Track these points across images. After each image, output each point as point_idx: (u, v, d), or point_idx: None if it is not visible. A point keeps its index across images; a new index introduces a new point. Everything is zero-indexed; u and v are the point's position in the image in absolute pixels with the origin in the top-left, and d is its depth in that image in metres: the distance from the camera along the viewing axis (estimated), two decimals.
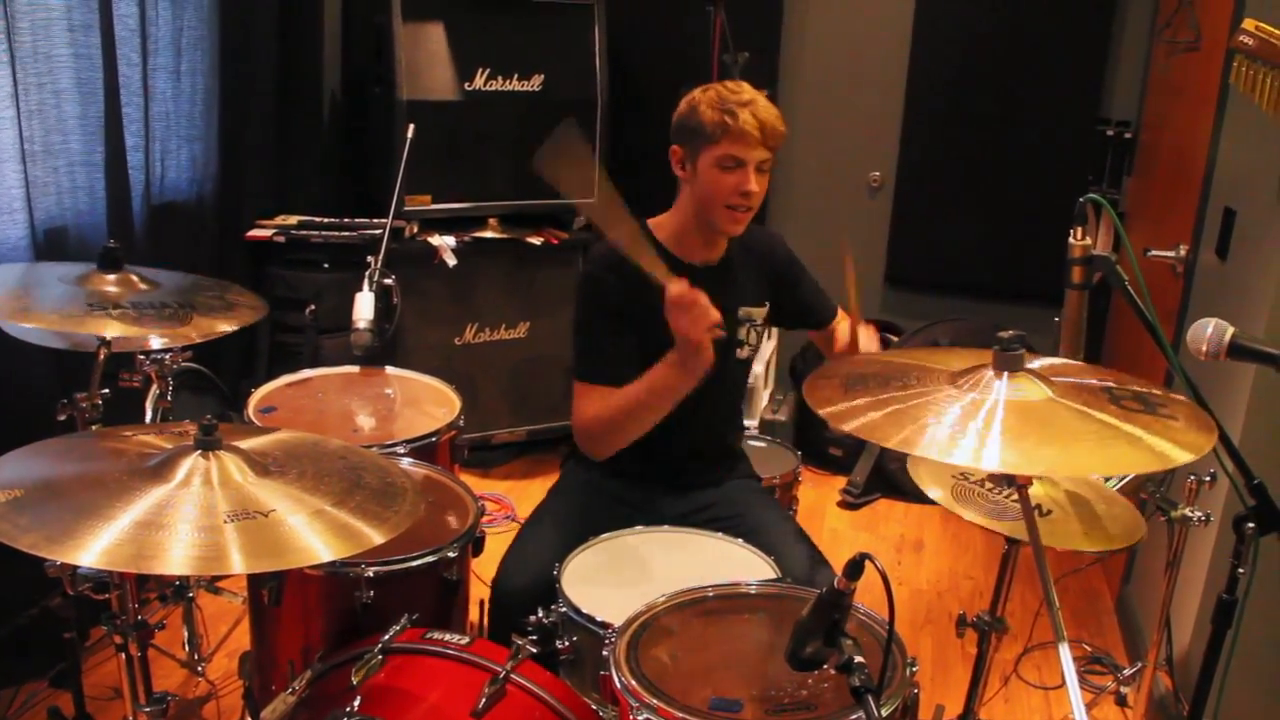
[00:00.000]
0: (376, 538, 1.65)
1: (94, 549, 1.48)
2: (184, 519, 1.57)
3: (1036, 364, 1.78)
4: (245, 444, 1.81)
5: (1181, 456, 1.55)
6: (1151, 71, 4.35)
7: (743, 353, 2.61)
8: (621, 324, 2.43)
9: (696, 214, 2.47)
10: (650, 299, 2.39)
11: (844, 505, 4.38)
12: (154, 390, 2.79)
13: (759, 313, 2.60)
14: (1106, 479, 2.39)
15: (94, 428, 2.37)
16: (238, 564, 1.54)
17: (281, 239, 3.95)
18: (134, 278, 2.35)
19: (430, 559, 2.16)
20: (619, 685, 1.75)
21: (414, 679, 1.89)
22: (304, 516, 1.64)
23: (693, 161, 2.42)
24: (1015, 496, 2.17)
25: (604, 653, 1.84)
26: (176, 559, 1.50)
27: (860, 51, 4.86)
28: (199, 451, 1.72)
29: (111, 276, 2.33)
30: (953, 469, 2.36)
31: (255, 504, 1.65)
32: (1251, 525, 1.93)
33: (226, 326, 2.34)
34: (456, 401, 2.80)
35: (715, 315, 2.19)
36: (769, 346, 4.86)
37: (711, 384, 2.45)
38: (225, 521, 1.58)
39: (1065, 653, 1.48)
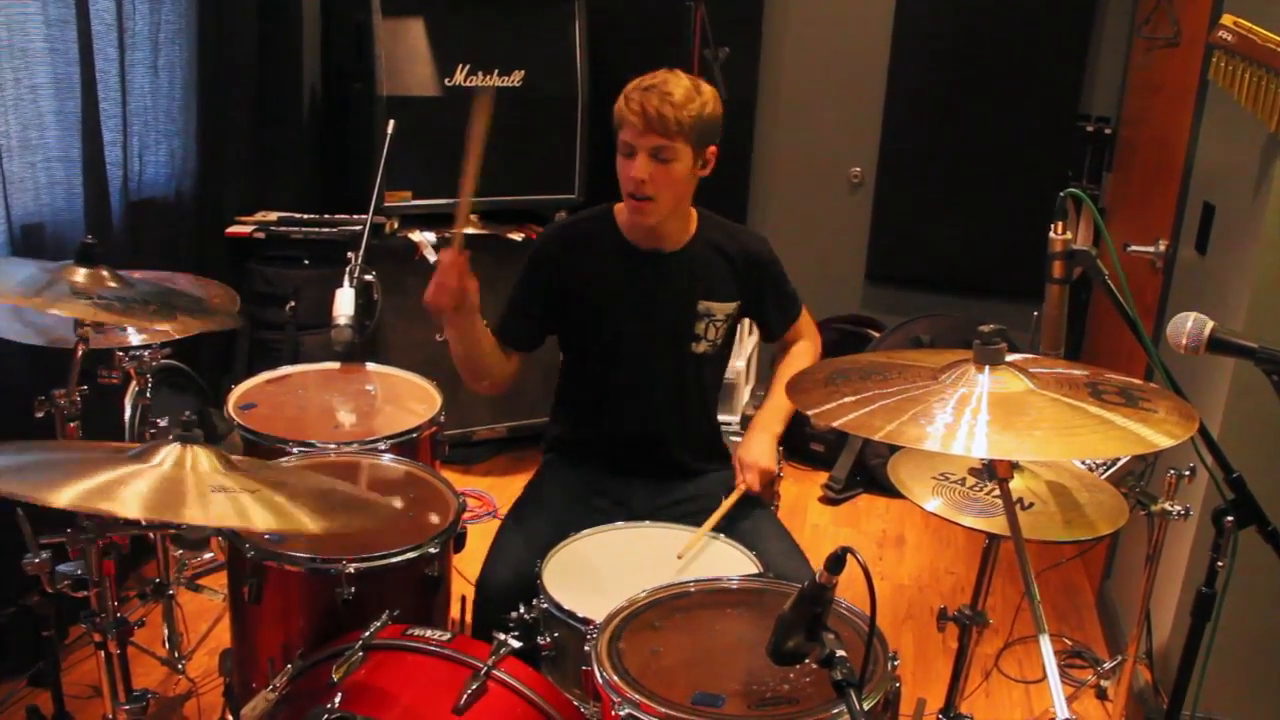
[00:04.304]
0: (310, 524, 1.69)
1: (66, 492, 1.54)
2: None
3: (1016, 358, 1.79)
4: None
5: (1164, 441, 1.56)
6: (1131, 67, 4.37)
7: (699, 347, 2.56)
8: (535, 293, 2.55)
9: None
10: (586, 277, 2.50)
11: (825, 501, 4.39)
12: (133, 387, 2.78)
13: (721, 309, 2.56)
14: (1093, 467, 2.40)
15: (72, 425, 2.35)
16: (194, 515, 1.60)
17: (261, 235, 3.93)
18: (106, 274, 2.32)
19: (411, 555, 2.15)
20: (601, 681, 1.75)
21: (395, 676, 1.88)
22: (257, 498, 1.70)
23: (618, 150, 2.42)
24: (996, 491, 2.17)
25: (586, 648, 1.83)
26: (133, 502, 1.58)
27: (841, 47, 4.87)
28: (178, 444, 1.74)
29: (87, 271, 2.31)
30: (932, 469, 2.36)
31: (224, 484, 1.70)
32: (1230, 519, 1.94)
33: (203, 327, 2.32)
34: (437, 398, 2.79)
35: (446, 290, 2.32)
36: (750, 343, 4.86)
37: (664, 377, 2.55)
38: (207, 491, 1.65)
39: (1046, 644, 1.48)
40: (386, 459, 2.51)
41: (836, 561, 1.47)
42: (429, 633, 1.96)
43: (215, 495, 1.65)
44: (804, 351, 2.73)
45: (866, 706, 1.69)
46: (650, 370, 2.55)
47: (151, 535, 2.87)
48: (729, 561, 2.27)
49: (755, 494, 2.49)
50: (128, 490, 1.59)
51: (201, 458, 1.74)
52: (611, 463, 2.61)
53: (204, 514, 1.62)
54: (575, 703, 1.94)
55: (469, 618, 2.38)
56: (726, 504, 2.43)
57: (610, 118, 2.42)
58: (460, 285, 2.31)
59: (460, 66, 4.11)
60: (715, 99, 2.39)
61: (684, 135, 2.33)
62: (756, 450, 2.51)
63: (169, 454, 1.72)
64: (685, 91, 2.33)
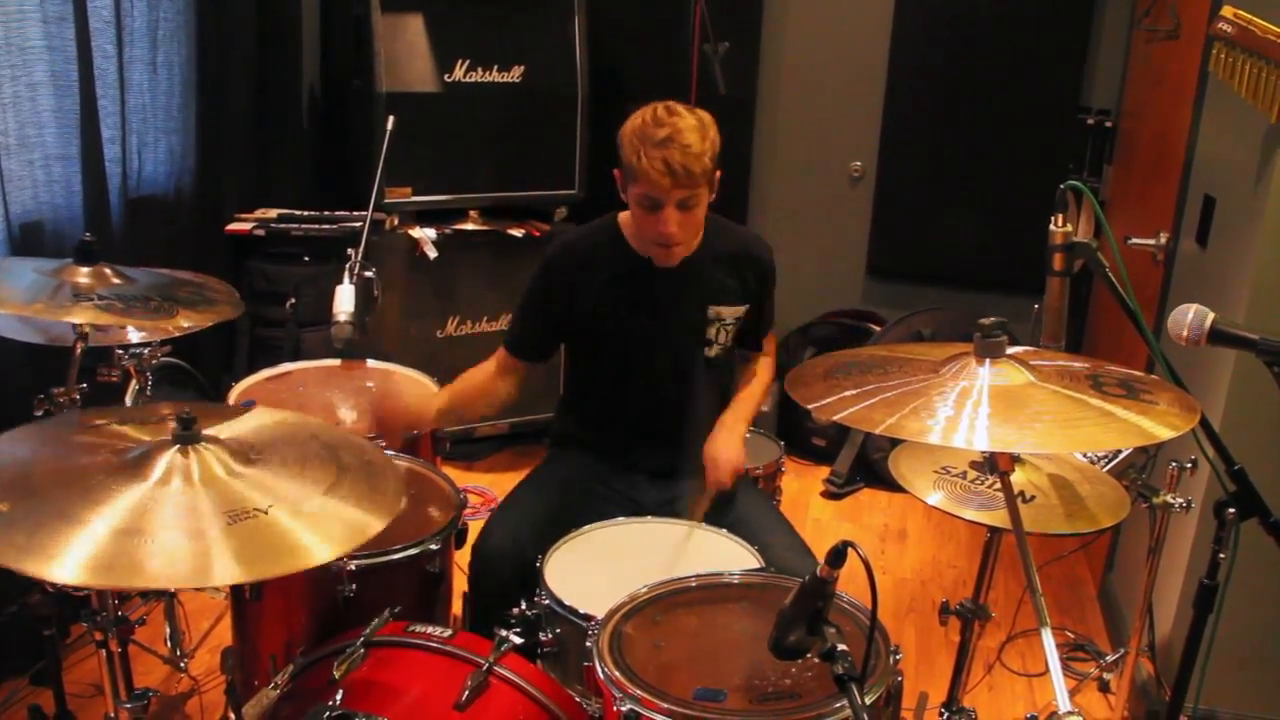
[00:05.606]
0: (375, 524, 1.61)
1: (71, 563, 1.40)
2: (167, 525, 1.49)
3: (1017, 351, 1.78)
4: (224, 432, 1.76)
5: (1165, 433, 1.56)
6: (1131, 60, 4.37)
7: (711, 351, 2.57)
8: (546, 310, 2.56)
9: None
10: (597, 293, 2.50)
11: (827, 495, 4.39)
12: (133, 385, 2.77)
13: (730, 312, 2.56)
14: (1095, 459, 2.40)
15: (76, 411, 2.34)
16: (231, 573, 1.47)
17: (261, 232, 3.92)
18: (109, 272, 2.32)
19: (412, 552, 2.15)
20: (602, 676, 1.75)
21: (396, 672, 1.88)
22: (300, 512, 1.59)
23: (625, 191, 2.40)
24: (998, 484, 2.17)
25: (587, 644, 1.83)
26: (164, 572, 1.43)
27: (841, 41, 4.86)
28: (177, 447, 1.65)
29: (87, 270, 2.30)
30: (933, 463, 2.36)
31: (244, 501, 1.58)
32: (1232, 510, 1.94)
33: (205, 321, 2.31)
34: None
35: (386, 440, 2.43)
36: None
37: (678, 383, 2.55)
38: (226, 524, 1.52)
39: (1047, 636, 1.48)
40: (388, 455, 2.50)
41: (838, 556, 1.47)
42: (430, 629, 1.96)
43: (253, 531, 1.53)
44: (767, 367, 2.77)
45: (868, 701, 1.69)
46: (664, 377, 2.55)
47: None
48: (731, 556, 2.26)
49: (725, 491, 2.45)
50: (148, 550, 1.43)
51: (210, 461, 1.65)
52: (617, 460, 2.60)
53: (250, 570, 1.48)
54: (577, 698, 1.94)
55: (471, 606, 2.39)
56: (702, 506, 2.41)
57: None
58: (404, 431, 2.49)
59: (460, 62, 4.10)
60: (714, 125, 2.36)
61: (706, 179, 2.33)
62: (724, 447, 2.48)
63: (169, 463, 1.62)
64: (698, 135, 2.29)
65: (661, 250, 2.40)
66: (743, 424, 2.57)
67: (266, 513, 1.57)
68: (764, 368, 2.75)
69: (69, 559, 1.40)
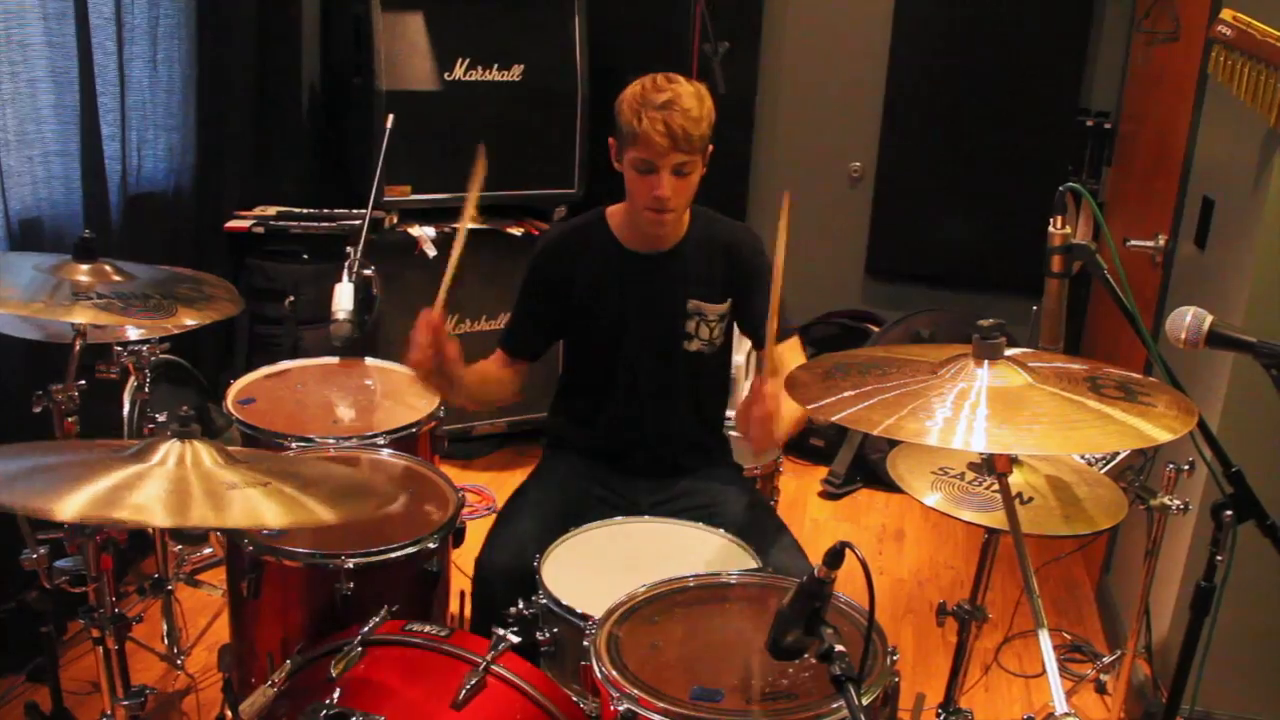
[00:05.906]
0: (327, 515, 1.67)
1: (70, 503, 1.52)
2: (155, 482, 1.62)
3: (1015, 352, 1.78)
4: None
5: (1163, 435, 1.56)
6: (1131, 62, 4.37)
7: (691, 345, 2.55)
8: (537, 303, 2.60)
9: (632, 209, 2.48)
10: (582, 282, 2.52)
11: (825, 495, 4.38)
12: (132, 382, 2.77)
13: (712, 308, 2.54)
14: (1093, 461, 2.40)
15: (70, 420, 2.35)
16: (202, 517, 1.60)
17: (260, 230, 3.92)
18: (109, 268, 2.32)
19: (410, 550, 2.15)
20: (599, 675, 1.75)
21: (394, 671, 1.88)
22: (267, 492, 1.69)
23: (620, 159, 2.42)
24: (995, 486, 2.17)
25: (584, 643, 1.83)
26: (143, 509, 1.57)
27: (841, 42, 4.87)
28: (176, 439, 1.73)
29: (86, 267, 2.30)
30: (931, 464, 2.36)
31: (223, 480, 1.69)
32: (1229, 513, 1.94)
33: (204, 318, 2.31)
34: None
35: (421, 351, 2.31)
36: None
37: (658, 377, 2.55)
38: (203, 489, 1.63)
39: (1044, 638, 1.48)
40: (386, 454, 2.51)
41: (835, 556, 1.47)
42: (428, 628, 1.96)
43: (226, 494, 1.63)
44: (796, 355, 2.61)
45: (865, 701, 1.69)
46: (645, 370, 2.55)
47: (152, 530, 2.86)
48: (728, 556, 2.26)
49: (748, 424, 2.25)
50: (136, 496, 1.56)
51: (202, 453, 1.72)
52: (609, 459, 2.61)
53: (216, 515, 1.61)
54: (574, 698, 1.94)
55: (468, 606, 2.38)
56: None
57: (610, 113, 2.42)
58: (436, 347, 2.32)
59: (460, 60, 4.10)
60: (710, 97, 2.40)
61: (702, 148, 2.36)
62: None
63: (169, 451, 1.70)
64: (697, 102, 2.33)
65: (654, 216, 2.40)
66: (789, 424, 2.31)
67: (247, 489, 1.67)
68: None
69: (69, 501, 1.52)
